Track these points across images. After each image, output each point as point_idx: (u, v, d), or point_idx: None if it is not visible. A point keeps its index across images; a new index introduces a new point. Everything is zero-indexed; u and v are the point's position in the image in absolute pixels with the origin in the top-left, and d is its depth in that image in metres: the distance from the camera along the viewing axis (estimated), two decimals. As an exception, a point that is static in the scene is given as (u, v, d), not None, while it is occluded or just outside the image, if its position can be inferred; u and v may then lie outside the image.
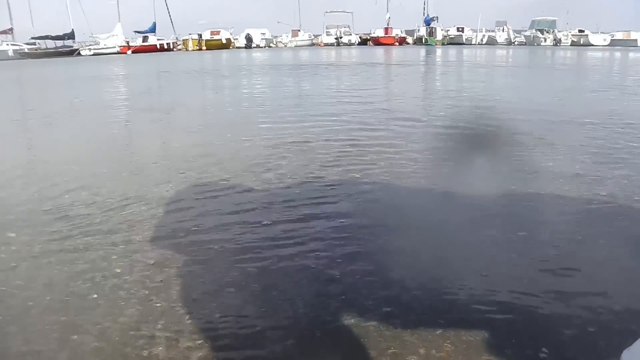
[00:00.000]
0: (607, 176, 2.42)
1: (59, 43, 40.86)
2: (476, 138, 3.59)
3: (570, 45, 39.61)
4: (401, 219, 1.89)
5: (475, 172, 2.66)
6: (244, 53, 28.02)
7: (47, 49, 39.33)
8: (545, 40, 42.51)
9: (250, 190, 2.29)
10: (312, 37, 43.36)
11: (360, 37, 45.73)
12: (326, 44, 41.47)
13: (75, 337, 1.16)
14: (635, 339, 0.56)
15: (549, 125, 3.91)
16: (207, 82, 9.47)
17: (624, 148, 3.04)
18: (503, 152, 3.04)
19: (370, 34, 46.83)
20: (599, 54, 21.40)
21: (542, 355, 1.06)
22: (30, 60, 31.50)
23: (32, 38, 40.63)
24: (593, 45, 38.37)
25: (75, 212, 2.01)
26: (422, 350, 1.08)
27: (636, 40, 37.70)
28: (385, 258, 1.52)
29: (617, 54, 21.42)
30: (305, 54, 23.70)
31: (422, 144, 3.29)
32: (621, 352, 0.57)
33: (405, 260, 1.51)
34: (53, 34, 41.60)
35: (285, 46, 40.12)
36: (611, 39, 39.43)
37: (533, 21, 47.21)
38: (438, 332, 1.14)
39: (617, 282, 1.37)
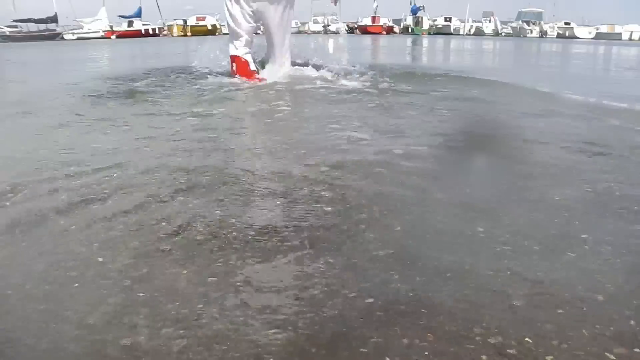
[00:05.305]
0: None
1: (42, 26, 40.13)
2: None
3: (556, 37, 39.71)
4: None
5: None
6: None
7: (29, 32, 38.61)
8: (531, 32, 42.55)
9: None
10: (299, 24, 43.07)
11: (347, 26, 45.41)
12: (313, 32, 41.22)
13: (55, 325, 1.14)
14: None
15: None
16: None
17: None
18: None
19: (358, 22, 46.54)
20: (582, 47, 21.66)
21: (526, 345, 1.07)
22: (11, 43, 30.86)
23: (14, 20, 39.81)
24: (578, 37, 38.53)
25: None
26: (405, 340, 1.08)
27: (620, 34, 37.96)
28: (368, 246, 1.52)
29: (600, 47, 21.70)
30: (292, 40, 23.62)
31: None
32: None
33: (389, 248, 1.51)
34: (36, 17, 40.82)
35: (272, 33, 39.84)
36: (596, 32, 39.63)
37: (520, 12, 47.28)
38: (421, 322, 1.15)
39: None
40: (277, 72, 5.85)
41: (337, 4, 7.27)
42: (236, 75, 5.68)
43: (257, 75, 5.72)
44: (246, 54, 5.71)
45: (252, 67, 5.76)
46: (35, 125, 3.47)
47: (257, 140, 3.12)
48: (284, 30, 5.84)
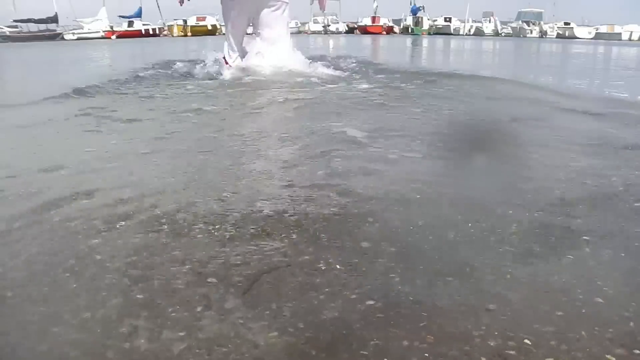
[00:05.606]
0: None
1: (42, 27, 40.22)
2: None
3: (556, 37, 39.70)
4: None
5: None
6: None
7: (29, 32, 38.70)
8: (531, 32, 42.52)
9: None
10: (299, 24, 43.08)
11: (347, 26, 45.37)
12: (313, 32, 41.25)
13: (56, 329, 1.14)
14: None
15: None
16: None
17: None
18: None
19: (358, 22, 46.52)
20: (582, 47, 21.71)
21: (525, 345, 1.07)
22: (11, 43, 30.88)
23: (15, 21, 39.92)
24: (578, 37, 38.51)
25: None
26: (405, 342, 1.08)
27: (620, 34, 37.95)
28: (369, 246, 1.52)
29: (600, 47, 21.76)
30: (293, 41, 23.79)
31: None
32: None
33: (390, 250, 1.51)
34: (36, 17, 40.91)
35: (272, 33, 39.87)
36: (596, 32, 39.62)
37: (520, 12, 47.30)
38: (421, 324, 1.15)
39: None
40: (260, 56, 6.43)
41: (329, 6, 7.68)
42: (230, 66, 6.43)
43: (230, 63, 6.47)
44: (237, 58, 6.55)
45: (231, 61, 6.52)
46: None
47: (255, 140, 3.11)
48: (279, 24, 6.60)
